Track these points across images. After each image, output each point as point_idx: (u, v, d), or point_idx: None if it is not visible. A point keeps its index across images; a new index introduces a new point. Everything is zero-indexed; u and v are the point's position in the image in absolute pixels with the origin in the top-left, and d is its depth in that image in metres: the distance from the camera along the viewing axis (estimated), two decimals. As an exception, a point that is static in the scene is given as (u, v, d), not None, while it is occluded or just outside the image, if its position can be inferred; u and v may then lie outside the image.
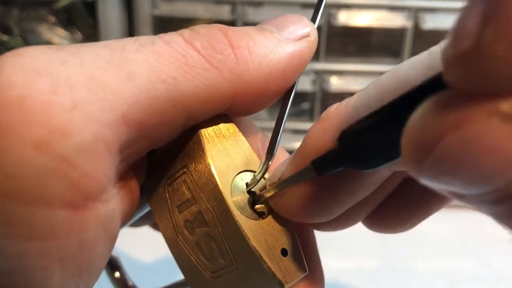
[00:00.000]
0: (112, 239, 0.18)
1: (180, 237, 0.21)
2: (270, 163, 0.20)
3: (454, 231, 0.52)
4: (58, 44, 0.54)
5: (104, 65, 0.16)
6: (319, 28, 0.52)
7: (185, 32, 0.18)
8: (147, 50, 0.17)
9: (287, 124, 0.21)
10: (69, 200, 0.15)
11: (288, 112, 0.20)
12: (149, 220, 0.26)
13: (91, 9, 0.53)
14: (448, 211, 0.55)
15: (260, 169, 0.20)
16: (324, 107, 0.55)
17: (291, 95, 0.20)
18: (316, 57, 0.53)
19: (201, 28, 0.18)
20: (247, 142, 0.21)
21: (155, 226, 0.27)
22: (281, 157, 0.22)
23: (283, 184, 0.19)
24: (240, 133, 0.21)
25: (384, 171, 0.18)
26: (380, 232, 0.22)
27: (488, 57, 0.09)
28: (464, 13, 0.10)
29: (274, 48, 0.19)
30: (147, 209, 0.23)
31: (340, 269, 0.46)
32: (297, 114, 0.55)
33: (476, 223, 0.54)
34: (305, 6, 0.52)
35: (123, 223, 0.20)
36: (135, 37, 0.18)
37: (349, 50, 0.54)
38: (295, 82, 0.20)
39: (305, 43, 0.20)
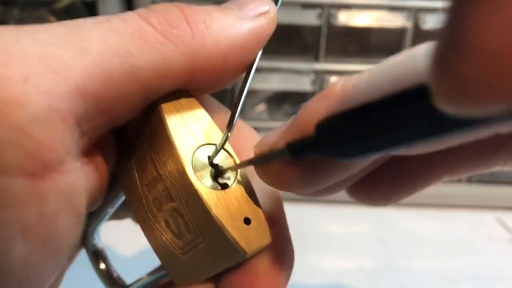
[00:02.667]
0: (77, 214, 0.18)
1: (150, 216, 0.21)
2: (229, 134, 0.20)
3: (453, 231, 0.52)
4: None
5: (58, 41, 0.16)
6: (319, 28, 0.52)
7: (141, 9, 0.18)
8: (102, 27, 0.17)
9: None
10: (26, 169, 0.16)
11: (248, 86, 0.20)
12: (131, 211, 0.26)
13: (91, 9, 0.53)
14: (448, 211, 0.55)
15: (221, 140, 0.20)
16: (324, 107, 0.55)
17: (252, 70, 0.20)
18: (316, 57, 0.53)
19: (157, 6, 0.19)
20: (209, 117, 0.21)
21: (133, 217, 0.27)
22: (242, 129, 0.22)
23: (257, 160, 0.19)
24: (202, 107, 0.21)
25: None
26: (362, 203, 0.22)
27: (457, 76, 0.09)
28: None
29: (232, 24, 0.19)
30: (123, 196, 0.23)
31: (339, 269, 0.46)
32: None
33: (476, 223, 0.54)
34: (305, 6, 0.52)
35: (92, 202, 0.20)
36: (92, 17, 0.18)
37: (349, 50, 0.54)
38: (255, 59, 0.20)
39: (264, 19, 0.20)
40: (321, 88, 0.54)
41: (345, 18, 0.52)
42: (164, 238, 0.20)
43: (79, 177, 0.18)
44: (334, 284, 0.44)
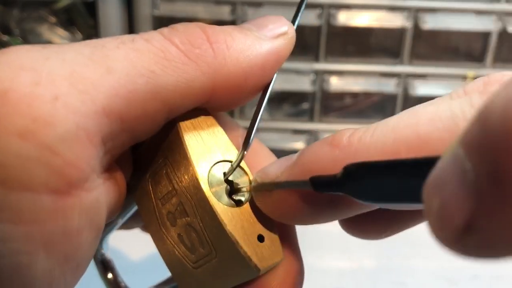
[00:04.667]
0: (97, 229, 0.19)
1: (163, 229, 0.21)
2: (245, 152, 0.20)
3: (453, 231, 0.52)
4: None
5: (85, 61, 0.17)
6: (319, 28, 0.52)
7: (164, 29, 0.19)
8: (126, 47, 0.18)
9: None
10: (53, 187, 0.16)
11: (265, 106, 0.21)
12: (140, 222, 0.27)
13: (91, 9, 0.53)
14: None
15: (236, 158, 0.20)
16: (324, 107, 0.55)
17: (268, 89, 0.21)
18: (316, 57, 0.53)
19: (180, 26, 0.19)
20: (225, 134, 0.21)
21: (145, 229, 0.27)
22: (257, 148, 0.23)
23: (275, 185, 0.19)
24: (218, 125, 0.21)
25: None
26: (354, 236, 0.23)
27: (464, 251, 0.10)
28: (449, 200, 0.10)
29: (252, 44, 0.20)
30: (135, 207, 0.23)
31: (339, 268, 0.46)
32: (297, 114, 0.55)
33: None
34: (305, 6, 0.52)
35: (110, 216, 0.20)
36: (117, 36, 0.18)
37: (349, 50, 0.54)
38: (273, 78, 0.21)
39: (283, 40, 0.21)
40: (321, 88, 0.54)
41: (345, 18, 0.52)
42: (176, 251, 0.21)
43: (101, 194, 0.18)
44: (334, 284, 0.44)
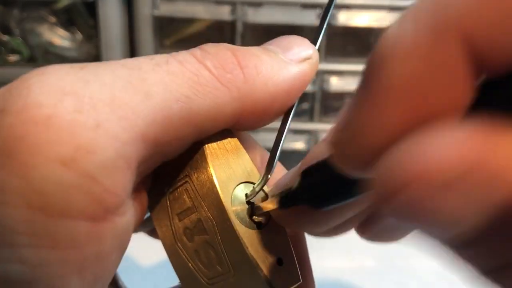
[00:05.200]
0: (124, 250, 0.19)
1: (179, 244, 0.21)
2: (269, 176, 0.20)
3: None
4: (59, 45, 0.54)
5: (124, 85, 0.17)
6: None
7: (196, 51, 0.19)
8: (162, 70, 0.18)
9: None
10: (90, 213, 0.16)
11: (288, 128, 0.21)
12: (145, 226, 0.27)
13: (91, 9, 0.53)
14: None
15: (259, 181, 0.21)
16: (324, 107, 0.55)
17: (291, 113, 0.21)
18: (316, 57, 0.53)
19: (211, 48, 0.19)
20: (247, 156, 0.21)
21: (151, 233, 0.27)
22: (279, 172, 0.23)
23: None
24: (242, 147, 0.21)
25: None
26: (369, 241, 0.23)
27: (342, 152, 0.13)
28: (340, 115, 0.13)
29: (279, 69, 0.20)
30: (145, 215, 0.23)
31: (340, 268, 0.46)
32: (297, 114, 0.55)
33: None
34: (305, 6, 0.52)
35: (134, 232, 0.21)
36: (150, 56, 0.19)
37: (349, 50, 0.54)
38: (295, 102, 0.21)
39: (308, 65, 0.21)
40: (321, 88, 0.54)
41: (345, 18, 0.52)
42: (190, 265, 0.21)
43: (131, 215, 0.19)
44: (335, 284, 0.44)
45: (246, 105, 0.19)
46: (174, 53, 0.19)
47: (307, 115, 0.55)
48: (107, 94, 0.17)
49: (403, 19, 0.12)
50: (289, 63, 0.20)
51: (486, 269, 0.13)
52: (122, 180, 0.17)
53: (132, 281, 0.27)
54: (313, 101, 0.55)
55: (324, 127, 0.55)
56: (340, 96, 0.55)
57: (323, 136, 0.57)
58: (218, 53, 0.19)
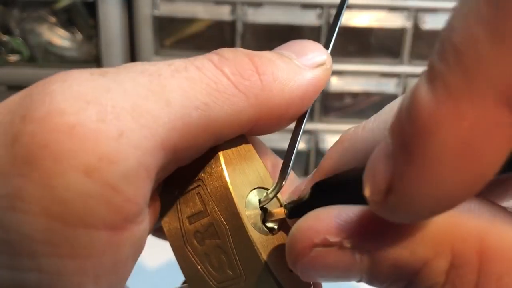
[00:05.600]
0: (138, 257, 0.19)
1: (188, 247, 0.21)
2: (284, 182, 0.20)
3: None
4: (59, 45, 0.54)
5: (145, 92, 0.17)
6: (319, 28, 0.52)
7: (214, 57, 0.19)
8: (181, 76, 0.18)
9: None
10: (110, 223, 0.16)
11: (302, 135, 0.21)
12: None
13: (91, 9, 0.53)
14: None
15: (273, 187, 0.21)
16: (324, 107, 0.55)
17: (305, 117, 0.21)
18: (316, 57, 0.53)
19: (228, 53, 0.19)
20: (261, 162, 0.22)
21: (155, 233, 0.27)
22: (291, 178, 0.23)
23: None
24: (255, 153, 0.22)
25: None
26: None
27: (390, 210, 0.13)
28: (375, 168, 0.13)
29: (294, 75, 0.20)
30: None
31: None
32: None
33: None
34: (305, 6, 0.52)
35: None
36: (169, 62, 0.18)
37: (349, 50, 0.54)
38: (308, 108, 0.21)
39: (322, 71, 0.21)
40: (321, 88, 0.54)
41: (345, 18, 0.52)
42: (199, 268, 0.21)
43: (147, 223, 0.19)
44: (335, 284, 0.44)
45: (262, 111, 0.19)
46: (191, 58, 0.19)
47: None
48: (129, 103, 0.16)
49: (434, 83, 0.12)
50: (304, 69, 0.20)
51: None
52: (143, 189, 0.17)
53: (135, 282, 0.27)
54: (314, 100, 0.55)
55: (324, 127, 0.55)
56: (340, 96, 0.55)
57: (324, 136, 0.57)
58: (236, 59, 0.19)
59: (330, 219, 0.15)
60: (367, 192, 0.13)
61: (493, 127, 0.11)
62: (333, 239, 0.15)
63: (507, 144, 0.12)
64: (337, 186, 0.17)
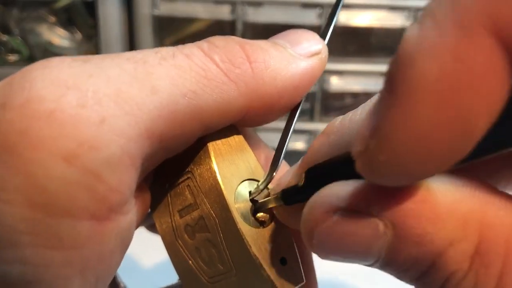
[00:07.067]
0: (126, 249, 0.18)
1: (179, 241, 0.21)
2: (274, 174, 0.20)
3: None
4: (59, 44, 0.54)
5: (129, 79, 0.16)
6: (318, 28, 0.52)
7: (204, 44, 0.19)
8: (168, 64, 0.17)
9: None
10: (94, 212, 0.16)
11: (294, 127, 0.21)
12: (145, 221, 0.26)
13: (91, 9, 0.53)
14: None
15: (264, 179, 0.20)
16: (324, 107, 0.55)
17: (298, 109, 0.21)
18: (316, 57, 0.53)
19: (219, 41, 0.19)
20: (252, 153, 0.21)
21: (150, 228, 0.27)
22: (284, 170, 0.22)
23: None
24: (246, 143, 0.21)
25: None
26: None
27: (373, 160, 0.12)
28: (363, 121, 0.12)
29: (288, 64, 0.19)
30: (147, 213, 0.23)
31: (340, 269, 0.46)
32: (297, 114, 0.55)
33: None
34: (305, 6, 0.51)
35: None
36: (155, 49, 0.18)
37: (349, 50, 0.54)
38: (302, 98, 0.21)
39: (317, 60, 0.20)
40: (321, 88, 0.54)
41: (345, 18, 0.52)
42: (191, 263, 0.21)
43: (134, 214, 0.18)
44: (333, 284, 0.44)
45: (253, 100, 0.19)
46: (180, 46, 0.18)
47: (307, 115, 0.55)
48: (112, 89, 0.16)
49: (423, 18, 0.11)
50: (298, 58, 0.20)
51: (414, 278, 0.14)
52: (127, 178, 0.16)
53: (130, 278, 0.27)
54: (313, 101, 0.55)
55: (324, 127, 0.55)
56: (340, 96, 0.55)
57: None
58: (226, 46, 0.19)
59: (354, 186, 0.14)
60: (353, 147, 0.12)
61: (482, 64, 0.10)
62: (354, 203, 0.14)
63: (499, 91, 0.10)
64: (332, 170, 0.16)
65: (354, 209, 0.14)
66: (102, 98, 0.16)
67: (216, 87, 0.18)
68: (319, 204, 0.14)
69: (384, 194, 0.13)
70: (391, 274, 0.15)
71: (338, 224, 0.14)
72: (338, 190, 0.14)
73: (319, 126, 0.55)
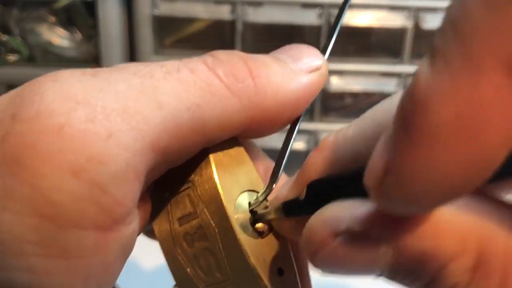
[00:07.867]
0: (127, 257, 0.19)
1: (178, 249, 0.21)
2: (274, 185, 0.20)
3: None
4: (59, 44, 0.54)
5: (136, 94, 0.17)
6: (319, 28, 0.52)
7: (208, 59, 0.19)
8: (173, 78, 0.18)
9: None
10: (99, 224, 0.16)
11: (294, 139, 0.21)
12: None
13: (91, 9, 0.53)
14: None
15: (263, 190, 0.20)
16: (324, 107, 0.55)
17: (299, 121, 0.21)
18: (316, 57, 0.53)
19: (222, 55, 0.19)
20: (252, 164, 0.21)
21: (148, 233, 0.27)
22: (283, 182, 0.23)
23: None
24: (247, 155, 0.21)
25: None
26: None
27: (389, 195, 0.12)
28: (375, 155, 0.12)
29: (289, 79, 0.20)
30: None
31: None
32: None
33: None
34: (305, 6, 0.52)
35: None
36: (161, 63, 0.18)
37: (349, 50, 0.54)
38: (302, 113, 0.21)
39: (317, 75, 0.21)
40: (321, 88, 0.54)
41: (345, 18, 0.52)
42: (188, 270, 0.21)
43: (136, 224, 0.19)
44: (335, 284, 0.44)
45: (255, 114, 0.19)
46: (185, 60, 0.19)
47: (307, 115, 0.55)
48: (120, 104, 0.16)
49: (433, 59, 0.11)
50: (299, 73, 0.20)
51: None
52: (131, 191, 0.17)
53: (128, 283, 0.27)
54: (313, 101, 0.55)
55: (324, 127, 0.55)
56: (340, 96, 0.55)
57: (323, 136, 0.57)
58: (230, 61, 0.19)
59: (353, 208, 0.15)
60: (366, 178, 0.13)
61: (498, 104, 0.10)
62: (358, 227, 0.14)
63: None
64: (333, 186, 0.17)
65: (355, 233, 0.14)
66: (110, 113, 0.16)
67: (219, 101, 0.18)
68: (321, 228, 0.15)
69: (385, 216, 0.14)
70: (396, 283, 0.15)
71: (340, 247, 0.15)
72: (339, 213, 0.15)
73: (319, 126, 0.55)
